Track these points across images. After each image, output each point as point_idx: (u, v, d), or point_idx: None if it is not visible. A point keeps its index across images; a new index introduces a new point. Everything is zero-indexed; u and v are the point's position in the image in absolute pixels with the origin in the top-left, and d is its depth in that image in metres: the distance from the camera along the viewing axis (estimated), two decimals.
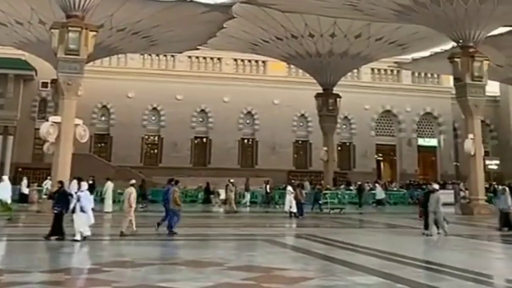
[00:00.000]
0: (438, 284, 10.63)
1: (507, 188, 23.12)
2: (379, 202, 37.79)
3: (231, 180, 32.52)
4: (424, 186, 35.57)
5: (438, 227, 19.32)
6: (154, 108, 48.90)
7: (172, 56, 48.88)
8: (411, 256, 14.18)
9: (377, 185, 39.74)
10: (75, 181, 18.69)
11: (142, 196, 30.71)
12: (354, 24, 36.14)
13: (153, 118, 49.10)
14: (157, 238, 17.53)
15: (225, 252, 14.78)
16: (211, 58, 50.43)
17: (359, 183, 40.06)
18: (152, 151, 49.40)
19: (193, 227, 21.18)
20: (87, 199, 16.45)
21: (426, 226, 19.31)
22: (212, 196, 37.83)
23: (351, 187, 42.05)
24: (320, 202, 31.78)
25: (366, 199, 38.73)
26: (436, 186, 20.67)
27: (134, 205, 18.00)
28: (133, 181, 18.95)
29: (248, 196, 37.48)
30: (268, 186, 37.36)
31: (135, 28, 34.30)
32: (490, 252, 16.77)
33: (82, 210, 16.09)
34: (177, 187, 19.03)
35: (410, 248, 16.55)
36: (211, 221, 26.95)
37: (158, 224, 18.77)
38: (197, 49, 42.49)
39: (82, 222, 16.01)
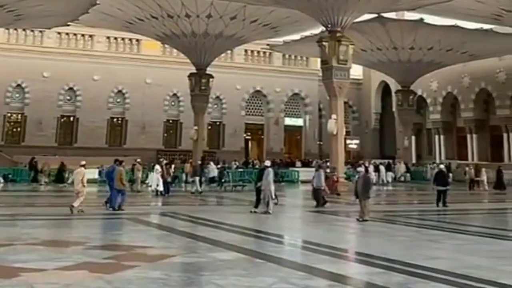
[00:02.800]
0: (295, 258, 11.26)
1: (321, 168, 23.89)
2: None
3: (138, 160, 31.92)
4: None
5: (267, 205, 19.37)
6: (19, 85, 46.82)
7: (40, 31, 46.88)
8: (272, 232, 14.78)
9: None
10: None
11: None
12: (230, 6, 36.33)
13: (17, 95, 47.02)
14: (10, 219, 17.01)
15: (87, 232, 14.61)
16: (82, 35, 49.00)
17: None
18: (14, 129, 47.35)
19: (56, 207, 20.71)
20: None
21: (257, 205, 19.59)
22: (40, 174, 36.36)
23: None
24: (223, 180, 33.05)
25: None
26: (267, 163, 21.16)
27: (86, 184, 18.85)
28: (83, 162, 19.31)
29: None
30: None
31: (0, 1, 32.41)
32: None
33: None
34: (122, 167, 19.96)
35: (272, 224, 17.21)
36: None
37: (106, 203, 19.70)
38: (68, 25, 40.87)
39: None
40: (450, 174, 38.37)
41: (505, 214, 23.53)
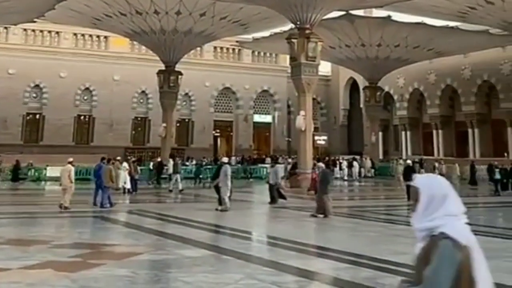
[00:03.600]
0: (262, 255, 11.28)
1: (276, 164, 23.87)
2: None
3: (118, 158, 31.52)
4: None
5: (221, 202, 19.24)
6: None
7: (5, 28, 46.13)
8: (239, 229, 14.79)
9: None
10: None
11: None
12: (199, 3, 36.18)
13: None
14: None
15: (53, 230, 14.46)
16: (49, 32, 48.42)
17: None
18: None
19: (20, 205, 20.42)
20: None
21: (220, 202, 19.40)
22: None
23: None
24: (201, 176, 33.57)
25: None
26: (225, 160, 21.13)
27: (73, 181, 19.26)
28: (71, 159, 19.91)
29: None
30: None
31: None
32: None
33: None
34: (110, 165, 20.61)
35: (240, 221, 17.22)
36: (41, 199, 25.89)
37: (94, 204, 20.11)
38: (34, 21, 40.23)
39: None
40: (423, 170, 39.09)
41: (471, 209, 23.85)
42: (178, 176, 28.99)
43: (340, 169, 42.74)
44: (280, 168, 23.04)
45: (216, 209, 19.14)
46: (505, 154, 45.53)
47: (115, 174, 29.71)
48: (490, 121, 49.25)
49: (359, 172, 43.45)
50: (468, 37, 40.99)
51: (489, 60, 46.31)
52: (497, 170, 29.32)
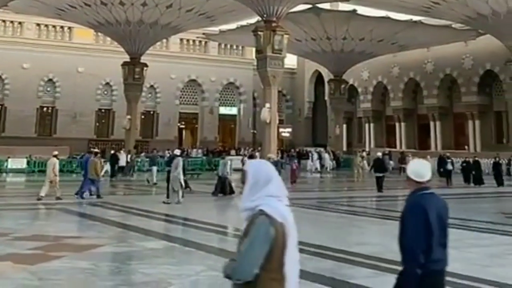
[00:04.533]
0: (224, 246, 11.31)
1: (227, 157, 23.97)
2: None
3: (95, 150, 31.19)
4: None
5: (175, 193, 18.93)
6: None
7: None
8: (202, 220, 14.78)
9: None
10: None
11: None
12: None
13: None
14: None
15: (13, 222, 14.22)
16: (11, 22, 47.58)
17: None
18: None
19: None
20: None
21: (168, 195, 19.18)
22: None
23: None
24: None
25: None
26: (177, 152, 21.19)
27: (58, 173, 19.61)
28: (56, 152, 20.44)
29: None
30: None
31: None
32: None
33: None
34: (96, 158, 20.66)
35: (202, 212, 17.19)
36: (1, 191, 25.49)
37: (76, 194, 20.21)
38: None
39: None
40: (391, 162, 39.76)
41: None
42: (154, 168, 28.88)
43: (312, 161, 42.89)
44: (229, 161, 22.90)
45: (163, 202, 18.75)
46: (466, 147, 46.39)
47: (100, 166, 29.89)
48: (451, 114, 50.06)
49: (322, 164, 43.75)
50: (431, 31, 41.57)
51: (451, 55, 47.04)
52: (449, 161, 29.92)
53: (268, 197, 3.40)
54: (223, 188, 21.92)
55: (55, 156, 19.99)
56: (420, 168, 4.56)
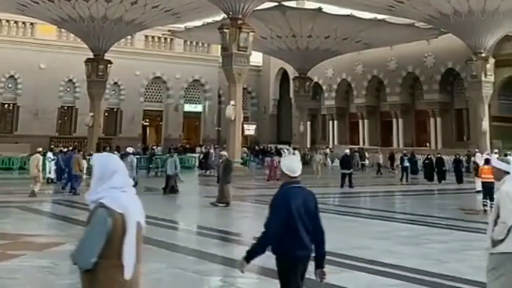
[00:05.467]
0: (186, 244, 11.30)
1: (175, 155, 23.75)
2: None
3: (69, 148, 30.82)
4: None
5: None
6: None
7: None
8: (164, 218, 14.72)
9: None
10: None
11: None
12: None
13: None
14: None
15: None
16: None
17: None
18: None
19: None
20: None
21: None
22: None
23: None
24: (151, 166, 35.04)
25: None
26: (129, 149, 21.28)
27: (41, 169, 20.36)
28: (40, 149, 21.51)
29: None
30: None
31: None
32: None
33: None
34: (79, 155, 21.80)
35: (166, 210, 17.14)
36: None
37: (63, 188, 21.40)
38: None
39: None
40: (367, 160, 40.44)
41: (397, 197, 24.52)
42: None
43: None
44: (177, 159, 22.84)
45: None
46: (427, 144, 47.15)
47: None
48: (413, 112, 50.83)
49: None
50: (394, 29, 42.13)
51: (414, 53, 47.72)
52: (405, 158, 30.71)
53: (112, 189, 3.64)
54: (173, 187, 21.62)
55: (38, 152, 20.65)
56: (292, 164, 5.17)
